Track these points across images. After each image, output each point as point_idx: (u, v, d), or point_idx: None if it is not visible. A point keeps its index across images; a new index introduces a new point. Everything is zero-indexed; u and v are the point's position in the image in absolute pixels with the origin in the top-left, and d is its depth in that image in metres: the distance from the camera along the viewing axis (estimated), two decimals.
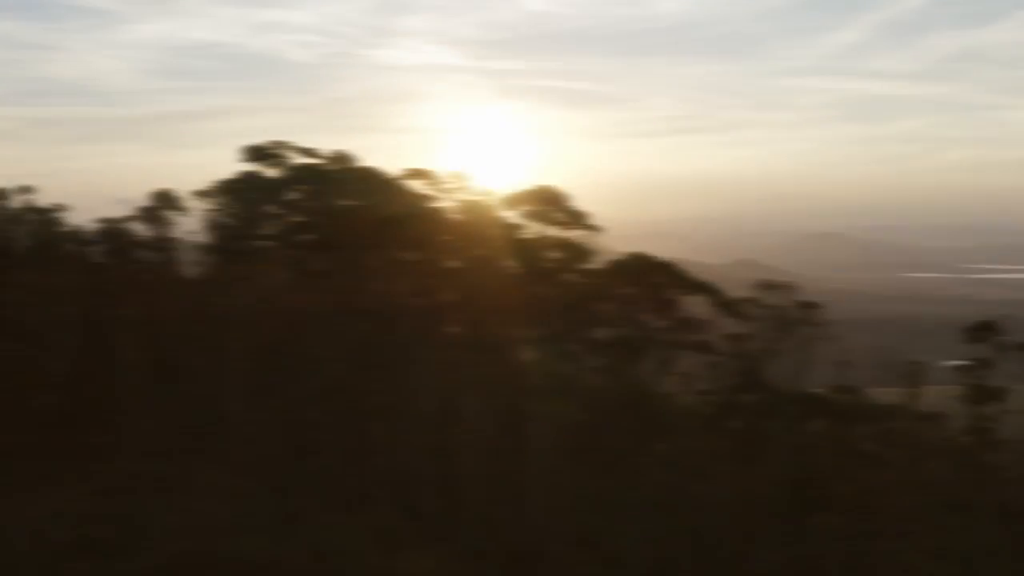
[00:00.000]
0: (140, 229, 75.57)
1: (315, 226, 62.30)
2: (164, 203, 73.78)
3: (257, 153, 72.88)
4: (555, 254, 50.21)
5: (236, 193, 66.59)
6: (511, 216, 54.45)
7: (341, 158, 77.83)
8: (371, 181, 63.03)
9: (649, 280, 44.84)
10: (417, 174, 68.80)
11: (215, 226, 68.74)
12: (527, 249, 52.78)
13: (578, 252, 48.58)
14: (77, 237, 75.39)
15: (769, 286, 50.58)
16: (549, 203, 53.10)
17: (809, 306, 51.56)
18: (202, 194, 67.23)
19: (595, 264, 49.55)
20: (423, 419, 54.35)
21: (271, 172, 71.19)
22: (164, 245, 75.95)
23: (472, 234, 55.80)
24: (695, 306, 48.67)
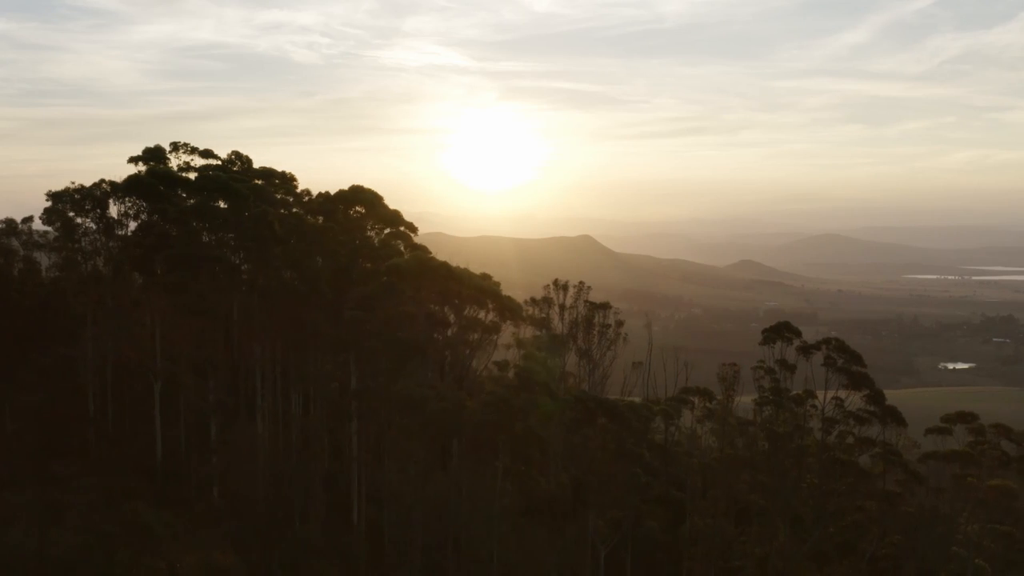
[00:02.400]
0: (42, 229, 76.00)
1: (154, 228, 62.06)
2: (64, 204, 73.75)
3: (150, 155, 72.77)
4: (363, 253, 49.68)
5: (90, 196, 66.36)
6: (329, 218, 54.15)
7: (238, 160, 78.12)
8: (215, 183, 62.71)
9: (432, 284, 44.25)
10: (267, 175, 68.80)
11: (71, 228, 68.55)
12: (338, 248, 52.54)
13: (377, 253, 47.97)
14: None
15: (562, 287, 49.84)
16: (364, 204, 52.80)
17: (603, 307, 50.68)
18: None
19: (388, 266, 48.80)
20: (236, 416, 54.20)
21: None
22: (59, 245, 76.02)
23: (296, 235, 55.58)
24: (478, 310, 48.12)
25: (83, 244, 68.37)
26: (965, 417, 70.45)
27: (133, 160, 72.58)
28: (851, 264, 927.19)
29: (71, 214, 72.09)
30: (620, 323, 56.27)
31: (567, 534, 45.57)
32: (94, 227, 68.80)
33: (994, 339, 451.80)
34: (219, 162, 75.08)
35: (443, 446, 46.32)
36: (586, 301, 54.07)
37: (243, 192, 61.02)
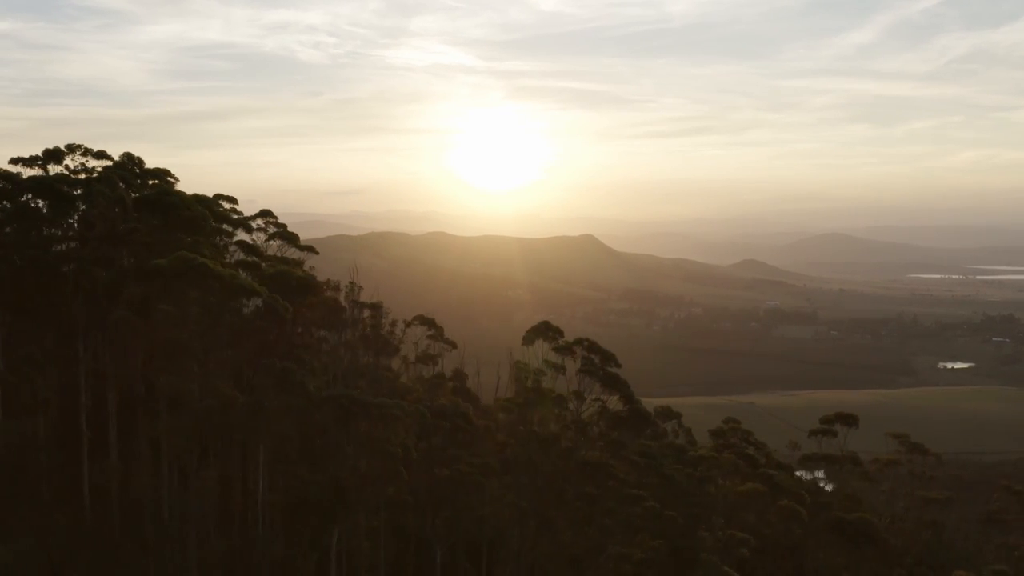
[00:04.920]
0: None
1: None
2: None
3: (49, 156, 73.93)
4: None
5: None
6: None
7: (130, 161, 79.36)
8: (40, 184, 63.61)
9: (196, 284, 44.81)
10: (159, 175, 70.10)
11: None
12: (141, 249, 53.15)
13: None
14: None
15: (334, 287, 50.09)
16: (165, 207, 53.43)
17: (375, 307, 50.79)
18: None
19: None
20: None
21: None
22: None
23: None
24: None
25: None
26: (845, 418, 69.51)
27: (14, 161, 73.88)
28: (855, 263, 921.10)
29: None
30: (407, 324, 56.05)
31: (336, 534, 46.01)
32: None
33: (994, 339, 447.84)
34: (111, 163, 76.32)
35: (207, 445, 46.95)
36: (354, 301, 53.74)
37: (69, 195, 61.90)
